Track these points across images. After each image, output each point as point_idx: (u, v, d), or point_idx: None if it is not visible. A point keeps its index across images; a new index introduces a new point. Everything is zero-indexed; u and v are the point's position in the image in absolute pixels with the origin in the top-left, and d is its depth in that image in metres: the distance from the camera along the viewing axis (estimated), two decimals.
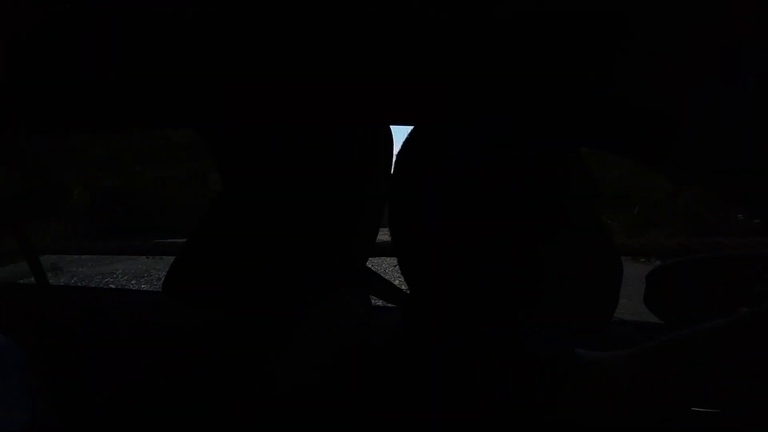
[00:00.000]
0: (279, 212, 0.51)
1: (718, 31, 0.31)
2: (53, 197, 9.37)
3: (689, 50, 0.33)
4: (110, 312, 1.04)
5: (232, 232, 0.51)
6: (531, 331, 0.40)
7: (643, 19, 0.31)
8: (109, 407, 0.75)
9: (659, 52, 0.34)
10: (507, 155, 0.38)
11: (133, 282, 6.38)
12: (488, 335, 0.40)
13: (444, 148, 0.40)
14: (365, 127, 0.53)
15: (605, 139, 0.45)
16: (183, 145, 11.02)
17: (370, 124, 0.55)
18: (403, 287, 0.64)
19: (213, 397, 0.49)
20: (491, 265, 0.37)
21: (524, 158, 0.37)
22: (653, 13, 0.30)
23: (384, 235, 0.62)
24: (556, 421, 0.40)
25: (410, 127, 0.45)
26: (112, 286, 5.79)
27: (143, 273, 6.93)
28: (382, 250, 0.87)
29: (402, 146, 0.43)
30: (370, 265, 0.65)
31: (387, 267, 5.06)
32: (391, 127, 0.57)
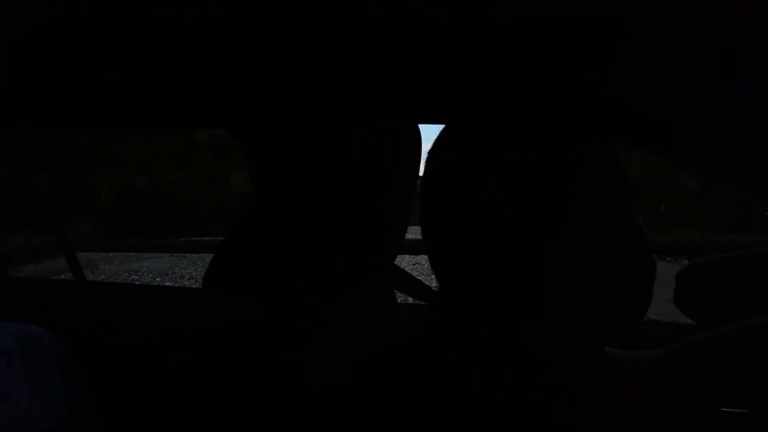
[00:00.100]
0: (312, 211, 0.52)
1: (718, 31, 0.30)
2: (82, 197, 9.66)
3: (689, 50, 0.33)
4: (144, 308, 1.06)
5: (268, 230, 0.52)
6: (556, 330, 0.40)
7: (643, 19, 0.30)
8: (143, 401, 0.77)
9: (659, 52, 0.34)
10: (535, 154, 0.38)
11: (157, 279, 6.55)
12: (517, 333, 0.40)
13: (474, 147, 0.40)
14: (395, 127, 0.54)
15: (609, 137, 0.44)
16: (206, 146, 11.22)
17: (369, 123, 0.55)
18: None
19: (245, 392, 0.50)
20: (522, 263, 0.38)
21: (553, 157, 0.37)
22: (653, 13, 0.30)
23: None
24: (574, 421, 0.40)
25: (436, 127, 0.45)
26: (137, 283, 5.95)
27: (167, 271, 7.09)
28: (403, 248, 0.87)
29: (432, 146, 0.44)
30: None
31: (406, 265, 5.06)
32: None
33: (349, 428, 0.40)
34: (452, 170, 0.41)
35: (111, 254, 7.70)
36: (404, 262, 5.12)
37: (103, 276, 6.67)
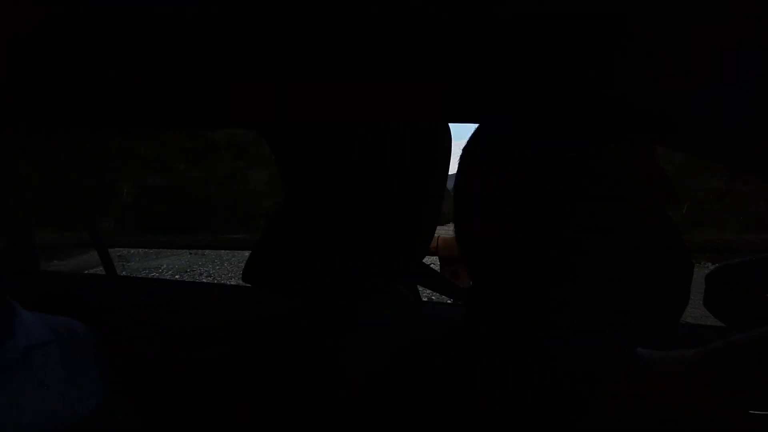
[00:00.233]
0: (343, 211, 0.53)
1: (718, 31, 0.30)
2: (105, 195, 9.90)
3: (689, 50, 0.33)
4: (173, 302, 1.09)
5: (299, 229, 0.53)
6: (589, 331, 0.39)
7: (643, 19, 0.30)
8: (174, 390, 0.79)
9: (659, 52, 0.33)
10: (570, 152, 0.38)
11: (176, 277, 6.68)
12: (551, 332, 0.40)
13: (510, 145, 0.40)
14: (428, 127, 0.54)
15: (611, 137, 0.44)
16: (224, 145, 11.38)
17: (368, 123, 0.55)
18: None
19: (274, 388, 0.51)
20: (556, 263, 0.38)
21: (590, 154, 0.37)
22: (653, 13, 0.29)
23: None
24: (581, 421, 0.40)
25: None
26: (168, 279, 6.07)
27: (186, 268, 7.24)
28: None
29: (467, 143, 0.44)
30: None
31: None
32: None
33: (375, 426, 0.40)
34: (487, 168, 0.41)
35: (132, 252, 7.88)
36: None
37: (124, 273, 6.84)
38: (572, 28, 0.31)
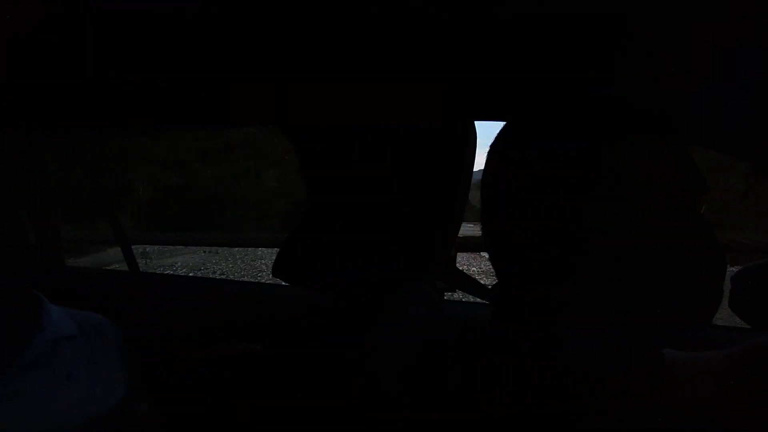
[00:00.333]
0: (372, 210, 0.54)
1: (718, 31, 0.30)
2: (122, 194, 10.08)
3: (689, 50, 0.32)
4: (196, 299, 1.11)
5: (330, 226, 0.54)
6: (616, 331, 0.39)
7: (643, 19, 0.30)
8: (195, 386, 0.80)
9: (659, 52, 0.33)
10: (601, 150, 0.38)
11: (190, 274, 6.77)
12: (582, 332, 0.40)
13: (538, 143, 0.40)
14: (456, 126, 0.54)
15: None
16: (238, 145, 11.51)
17: (368, 123, 0.55)
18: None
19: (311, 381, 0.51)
20: (585, 260, 0.37)
21: (621, 152, 0.37)
22: (653, 13, 0.29)
23: None
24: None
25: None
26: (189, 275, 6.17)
27: (200, 266, 7.34)
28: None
29: (495, 141, 0.44)
30: None
31: None
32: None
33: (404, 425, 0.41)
34: (516, 165, 0.41)
35: (147, 249, 8.02)
36: None
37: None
38: (572, 28, 0.32)
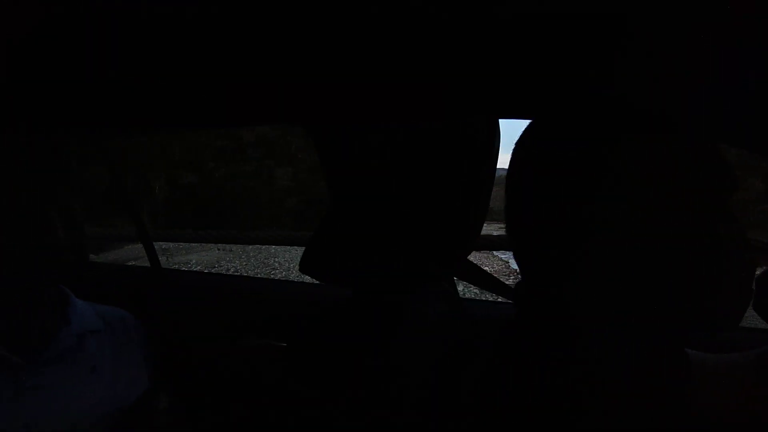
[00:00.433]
0: (396, 209, 0.54)
1: (718, 31, 0.30)
2: (139, 192, 10.27)
3: (689, 50, 0.32)
4: (217, 294, 1.12)
5: (355, 224, 0.55)
6: (641, 330, 0.39)
7: (643, 19, 0.30)
8: (216, 380, 0.82)
9: (659, 52, 0.33)
10: (622, 147, 0.38)
11: (205, 271, 6.87)
12: (608, 331, 0.40)
13: (563, 141, 0.40)
14: (482, 125, 0.54)
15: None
16: (252, 144, 11.63)
17: (367, 123, 0.55)
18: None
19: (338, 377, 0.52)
20: (613, 260, 0.37)
21: (649, 150, 0.37)
22: (653, 13, 0.29)
23: None
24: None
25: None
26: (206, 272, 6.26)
27: (214, 263, 7.43)
28: None
29: (520, 138, 0.44)
30: None
31: None
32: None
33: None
34: (542, 163, 0.41)
35: (163, 247, 8.16)
36: None
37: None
38: (572, 28, 0.32)
